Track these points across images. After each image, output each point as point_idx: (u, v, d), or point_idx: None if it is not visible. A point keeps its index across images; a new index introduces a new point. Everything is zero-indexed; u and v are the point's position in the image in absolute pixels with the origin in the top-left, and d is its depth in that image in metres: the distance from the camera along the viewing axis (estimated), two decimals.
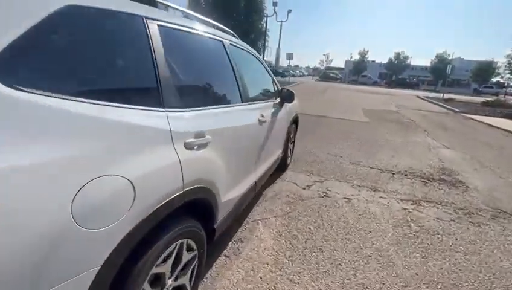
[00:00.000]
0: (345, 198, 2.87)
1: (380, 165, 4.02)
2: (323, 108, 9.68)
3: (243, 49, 2.27)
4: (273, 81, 2.75)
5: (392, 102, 14.59)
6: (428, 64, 45.68)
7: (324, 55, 66.17)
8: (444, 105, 14.34)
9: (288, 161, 3.62)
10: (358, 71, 45.97)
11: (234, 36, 2.25)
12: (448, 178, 3.73)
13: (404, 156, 4.60)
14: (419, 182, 3.51)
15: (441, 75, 34.70)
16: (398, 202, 2.89)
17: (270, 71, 2.70)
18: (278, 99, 2.74)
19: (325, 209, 2.60)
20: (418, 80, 43.62)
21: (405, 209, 2.73)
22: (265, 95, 2.62)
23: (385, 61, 50.22)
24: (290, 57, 20.44)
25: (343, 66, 57.64)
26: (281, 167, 3.39)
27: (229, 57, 1.85)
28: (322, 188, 3.08)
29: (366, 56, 47.33)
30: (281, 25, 18.56)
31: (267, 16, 15.93)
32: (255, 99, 2.24)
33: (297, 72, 58.25)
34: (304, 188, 3.04)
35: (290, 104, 3.12)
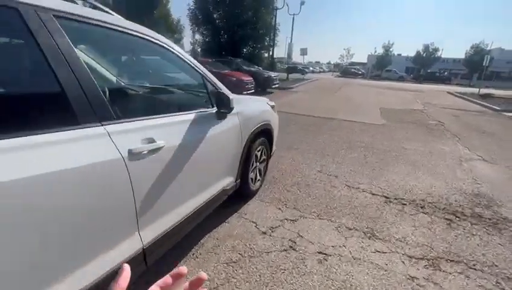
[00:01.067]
0: (320, 253, 1.92)
1: (387, 190, 2.98)
2: (332, 108, 8.55)
3: (137, 35, 1.41)
4: (206, 81, 1.85)
5: (417, 99, 12.94)
6: (461, 56, 41.67)
7: (344, 49, 62.99)
8: (481, 102, 12.40)
9: (257, 186, 2.72)
10: (382, 66, 43.06)
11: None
12: (486, 213, 2.62)
13: (423, 174, 3.49)
14: (442, 221, 2.44)
15: (477, 67, 31.26)
16: (403, 261, 1.89)
17: (200, 68, 1.80)
18: (215, 109, 1.85)
19: (280, 279, 1.68)
20: (449, 74, 39.91)
21: (413, 279, 1.73)
22: (183, 104, 1.78)
23: (412, 54, 46.66)
24: (304, 52, 19.21)
25: (365, 60, 54.56)
26: (242, 196, 2.52)
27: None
28: (291, 232, 2.15)
29: (391, 49, 44.15)
30: (293, 18, 17.43)
31: (276, 9, 14.88)
32: (150, 112, 1.39)
33: (317, 68, 56.22)
34: (264, 233, 2.12)
35: (251, 112, 2.25)
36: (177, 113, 1.56)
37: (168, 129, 1.42)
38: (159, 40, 1.53)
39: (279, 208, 2.50)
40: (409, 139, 5.23)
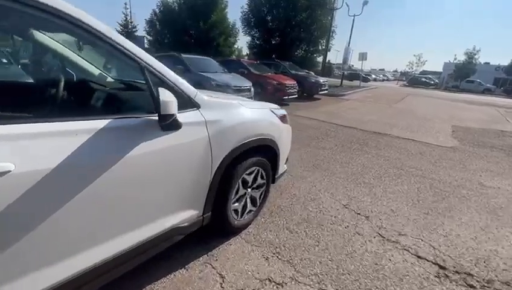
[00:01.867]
0: None
1: (444, 253, 1.96)
2: (387, 121, 7.18)
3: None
4: (150, 74, 1.27)
5: (508, 118, 10.23)
6: None
7: (415, 56, 55.74)
8: None
9: (247, 220, 2.05)
10: (462, 75, 36.73)
11: None
12: None
13: (508, 231, 2.30)
14: None
15: None
16: None
17: (141, 55, 1.24)
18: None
19: None
20: None
21: None
22: (98, 106, 1.26)
23: (505, 63, 38.67)
24: (363, 57, 17.40)
25: (440, 69, 47.55)
26: (220, 231, 1.90)
27: None
28: None
29: (476, 57, 37.36)
30: (353, 20, 15.85)
31: (333, 10, 13.67)
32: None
33: (381, 76, 51.41)
34: None
35: (234, 122, 1.65)
36: (70, 119, 1.02)
37: (37, 142, 0.89)
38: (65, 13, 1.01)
39: (267, 258, 1.78)
40: (491, 173, 3.80)
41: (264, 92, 8.41)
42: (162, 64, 1.34)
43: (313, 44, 15.22)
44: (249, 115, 1.82)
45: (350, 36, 16.40)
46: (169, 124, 1.24)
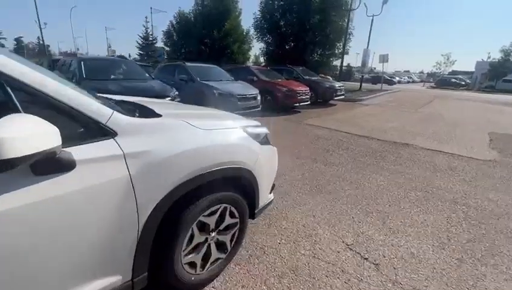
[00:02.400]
0: None
1: None
2: (410, 129, 6.39)
3: None
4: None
5: None
6: None
7: (443, 55, 52.17)
8: None
9: (210, 272, 1.58)
10: (498, 75, 33.71)
11: None
12: None
13: None
14: None
15: None
16: None
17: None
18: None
19: None
20: None
21: None
22: None
23: None
24: (384, 59, 16.40)
25: (472, 68, 44.19)
26: None
27: None
28: None
29: None
30: (372, 20, 14.90)
31: (349, 10, 12.90)
32: None
33: (405, 78, 48.84)
34: None
35: (179, 150, 1.26)
36: None
37: None
38: None
39: None
40: None
41: (273, 99, 7.96)
42: (48, 75, 0.94)
43: (329, 47, 14.54)
44: (204, 139, 1.37)
45: (369, 37, 15.52)
46: (45, 166, 0.83)
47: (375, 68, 54.71)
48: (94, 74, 4.97)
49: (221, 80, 6.82)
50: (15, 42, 59.19)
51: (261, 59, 21.67)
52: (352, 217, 2.41)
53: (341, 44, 14.35)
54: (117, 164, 1.03)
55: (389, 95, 15.81)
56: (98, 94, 1.62)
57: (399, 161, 4.03)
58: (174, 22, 22.27)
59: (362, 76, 16.67)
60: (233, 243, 1.70)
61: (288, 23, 13.71)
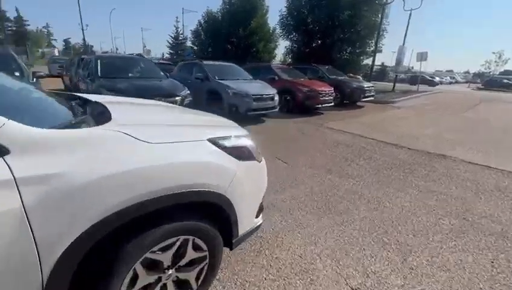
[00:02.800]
0: None
1: None
2: (451, 137, 5.55)
3: None
4: None
5: None
6: None
7: (494, 53, 46.76)
8: None
9: None
10: None
11: None
12: None
13: None
14: None
15: None
16: None
17: None
18: None
19: None
20: None
21: None
22: None
23: None
24: (422, 57, 14.98)
25: None
26: None
27: None
28: None
29: None
30: (409, 15, 13.56)
31: (383, 4, 11.80)
32: None
33: (447, 78, 44.79)
34: None
35: (88, 172, 0.96)
36: None
37: None
38: None
39: None
40: None
41: (293, 100, 7.51)
42: None
43: (359, 45, 13.52)
44: (148, 156, 1.06)
45: (405, 34, 14.23)
46: None
47: (412, 67, 50.93)
48: (109, 71, 4.98)
49: (238, 79, 6.55)
50: (64, 43, 64.90)
51: (286, 58, 21.05)
52: (364, 249, 1.96)
53: (373, 41, 13.28)
54: (4, 193, 0.76)
55: (426, 97, 14.38)
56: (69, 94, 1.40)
57: (432, 177, 3.41)
58: (202, 21, 22.57)
59: (396, 76, 15.36)
60: (200, 281, 1.37)
61: (316, 20, 12.99)
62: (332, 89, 8.09)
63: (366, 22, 12.73)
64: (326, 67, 10.44)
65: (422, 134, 5.72)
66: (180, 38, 31.55)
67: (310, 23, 13.67)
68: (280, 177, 3.17)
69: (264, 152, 4.38)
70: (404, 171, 3.58)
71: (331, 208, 2.53)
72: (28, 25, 51.94)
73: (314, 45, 14.31)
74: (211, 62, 7.32)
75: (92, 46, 57.97)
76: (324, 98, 7.62)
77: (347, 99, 9.43)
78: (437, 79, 36.85)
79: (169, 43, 31.76)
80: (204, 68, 6.52)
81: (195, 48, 24.76)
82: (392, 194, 2.89)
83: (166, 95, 4.49)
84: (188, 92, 4.96)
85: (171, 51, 32.02)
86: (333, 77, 9.59)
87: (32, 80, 4.41)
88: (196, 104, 6.66)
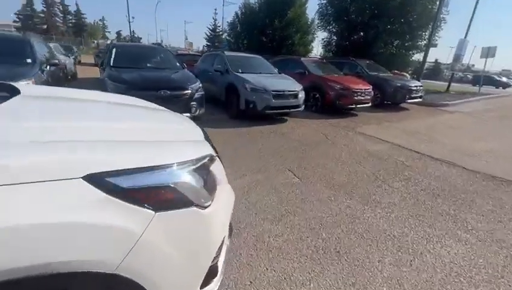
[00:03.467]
0: None
1: None
2: None
3: None
4: None
5: None
6: None
7: None
8: None
9: None
10: None
11: None
12: None
13: None
14: None
15: None
16: None
17: None
18: None
19: None
20: None
21: None
22: None
23: None
24: (489, 53, 12.65)
25: None
26: None
27: None
28: None
29: None
30: (476, 3, 11.30)
31: None
32: None
33: None
34: None
35: None
36: None
37: None
38: None
39: None
40: None
41: (322, 98, 6.65)
42: None
43: (409, 38, 11.72)
44: None
45: (469, 25, 12.06)
46: None
47: (473, 65, 44.69)
48: (123, 61, 4.73)
49: (260, 73, 5.91)
50: (116, 35, 70.15)
51: (321, 51, 19.38)
52: None
53: (426, 34, 11.41)
54: None
55: (488, 100, 12.13)
56: None
57: (499, 215, 2.46)
58: (239, 13, 22.17)
59: (452, 74, 13.20)
60: None
61: (360, 8, 11.56)
62: (371, 87, 7.01)
63: (421, 10, 10.94)
64: (367, 62, 9.23)
65: (482, 149, 4.52)
66: (218, 30, 31.66)
67: (352, 12, 12.28)
68: (284, 197, 2.53)
69: (275, 160, 3.66)
70: (457, 202, 2.67)
71: (342, 255, 1.83)
72: (86, 18, 56.93)
73: (355, 37, 12.90)
74: (233, 53, 6.80)
75: (141, 38, 61.72)
76: (359, 97, 6.61)
77: (389, 100, 8.20)
78: (504, 79, 31.74)
79: (207, 35, 32.13)
80: (225, 60, 6.00)
81: (232, 40, 24.57)
82: (435, 239, 2.06)
83: (173, 88, 4.08)
84: (200, 85, 4.49)
85: (208, 43, 32.40)
86: (374, 74, 8.41)
87: (46, 67, 4.33)
88: (214, 99, 6.24)
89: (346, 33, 12.97)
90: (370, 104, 7.07)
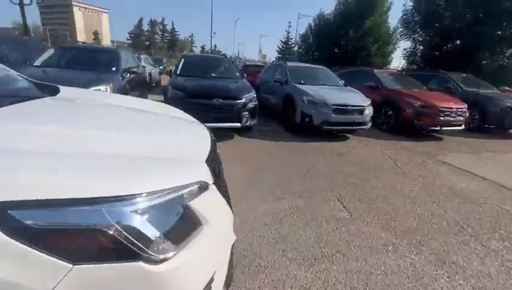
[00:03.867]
0: None
1: None
2: None
3: None
4: None
5: None
6: None
7: None
8: None
9: None
10: None
11: None
12: None
13: None
14: None
15: None
16: None
17: None
18: None
19: None
20: None
21: None
22: None
23: None
24: None
25: None
26: None
27: None
28: None
29: None
30: None
31: None
32: None
33: None
34: None
35: None
36: None
37: None
38: None
39: None
40: None
41: (397, 115, 5.67)
42: None
43: None
44: None
45: None
46: None
47: None
48: (189, 70, 5.04)
49: (322, 85, 5.44)
50: (200, 49, 79.28)
51: (403, 62, 16.99)
52: None
53: None
54: None
55: None
56: None
57: None
58: (313, 24, 21.94)
59: None
60: None
61: (458, 13, 9.57)
62: (465, 106, 5.63)
63: None
64: (463, 75, 7.56)
65: None
66: (290, 43, 32.03)
67: (447, 17, 10.35)
68: (324, 234, 2.06)
69: (323, 185, 3.13)
70: None
71: None
72: (179, 35, 66.44)
73: (448, 46, 10.82)
74: (295, 64, 6.51)
75: (221, 51, 68.42)
76: (448, 117, 5.37)
77: (492, 124, 6.46)
78: None
79: (279, 48, 32.86)
80: (286, 70, 5.77)
81: (302, 51, 24.49)
82: None
83: (226, 97, 4.06)
84: (254, 95, 4.36)
85: (279, 56, 33.08)
86: (471, 90, 6.79)
87: (126, 74, 4.95)
88: (272, 110, 6.07)
89: (436, 42, 11.02)
90: (462, 127, 5.66)
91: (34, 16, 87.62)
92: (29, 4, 10.33)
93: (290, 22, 43.95)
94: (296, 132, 5.01)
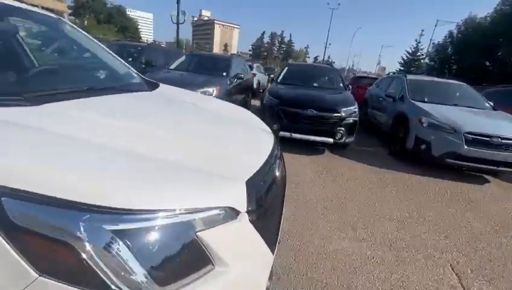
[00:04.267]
0: None
1: None
2: None
3: None
4: None
5: None
6: None
7: None
8: None
9: None
10: None
11: None
12: None
13: None
14: None
15: None
16: None
17: None
18: None
19: None
20: None
21: None
22: None
23: None
24: None
25: None
26: None
27: None
28: None
29: None
30: None
31: None
32: None
33: None
34: None
35: None
36: None
37: None
38: None
39: None
40: None
41: None
42: None
43: None
44: None
45: None
46: None
47: None
48: (291, 79, 5.02)
49: (455, 105, 4.16)
50: (313, 59, 79.90)
51: None
52: None
53: None
54: None
55: None
56: None
57: None
58: (456, 31, 17.97)
59: None
60: None
61: None
62: None
63: None
64: None
65: None
66: (419, 54, 27.34)
67: None
68: None
69: (433, 241, 2.46)
70: None
71: None
72: (294, 46, 69.42)
73: None
74: (417, 77, 5.30)
75: (334, 62, 66.94)
76: None
77: None
78: None
79: (403, 59, 28.62)
80: (404, 83, 4.77)
81: (435, 64, 20.44)
82: None
83: (321, 109, 3.71)
84: (355, 110, 3.79)
85: (401, 68, 28.82)
86: None
87: (234, 80, 5.42)
88: (379, 129, 5.18)
89: None
90: None
91: (188, 33, 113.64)
92: (182, 23, 13.27)
93: (422, 30, 37.44)
94: (404, 160, 4.04)
